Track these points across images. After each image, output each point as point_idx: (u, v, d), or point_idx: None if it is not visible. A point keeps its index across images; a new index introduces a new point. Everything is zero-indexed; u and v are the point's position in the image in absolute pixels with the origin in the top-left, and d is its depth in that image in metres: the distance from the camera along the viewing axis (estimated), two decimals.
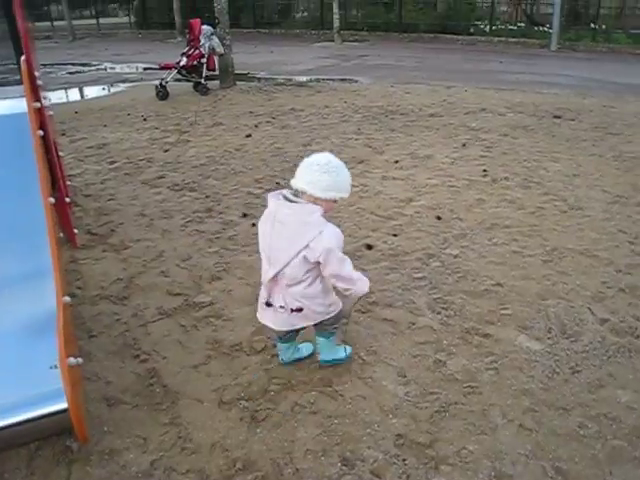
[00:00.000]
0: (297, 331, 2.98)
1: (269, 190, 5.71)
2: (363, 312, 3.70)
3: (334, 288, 2.87)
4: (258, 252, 2.87)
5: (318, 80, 12.63)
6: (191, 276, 4.29)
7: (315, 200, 2.62)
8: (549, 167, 6.37)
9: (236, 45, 17.30)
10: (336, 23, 18.91)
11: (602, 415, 2.84)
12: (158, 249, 4.73)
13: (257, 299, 2.97)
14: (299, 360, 3.20)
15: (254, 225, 4.96)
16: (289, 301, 2.74)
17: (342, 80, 12.48)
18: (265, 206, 2.85)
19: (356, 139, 7.53)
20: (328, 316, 2.87)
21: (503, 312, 3.72)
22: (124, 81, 12.91)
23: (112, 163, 6.93)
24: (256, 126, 8.30)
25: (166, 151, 7.28)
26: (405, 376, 3.13)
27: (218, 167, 6.61)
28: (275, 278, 2.71)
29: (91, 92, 12.02)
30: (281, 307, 2.76)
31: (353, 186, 2.86)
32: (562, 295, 3.88)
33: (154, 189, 6.07)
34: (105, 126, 8.67)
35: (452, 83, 11.52)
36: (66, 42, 23.99)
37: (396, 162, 6.59)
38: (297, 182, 2.67)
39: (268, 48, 17.75)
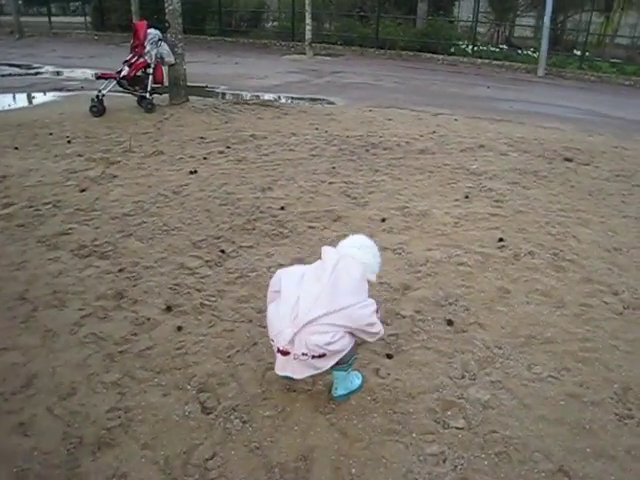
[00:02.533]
0: None
1: (208, 262, 4.09)
2: None
3: None
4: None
5: (285, 99, 11.02)
6: (66, 437, 2.65)
7: None
8: (579, 234, 4.89)
9: (198, 54, 15.69)
10: (308, 35, 17.37)
11: None
12: (29, 371, 3.11)
13: None
14: None
15: (180, 329, 3.33)
16: None
17: (313, 100, 10.91)
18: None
19: (330, 182, 5.94)
20: None
21: None
22: (61, 89, 11.08)
23: (6, 206, 5.20)
24: (205, 158, 6.65)
25: (83, 190, 5.57)
26: None
27: (146, 220, 4.93)
28: None
29: (16, 101, 10.17)
30: None
31: (356, 247, 2.89)
32: None
33: (51, 252, 4.38)
34: (16, 149, 6.90)
35: (439, 109, 10.07)
36: (12, 40, 21.87)
37: (383, 220, 5.02)
38: None
39: (233, 59, 16.09)
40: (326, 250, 2.84)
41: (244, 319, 3.53)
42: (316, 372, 2.66)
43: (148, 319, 3.54)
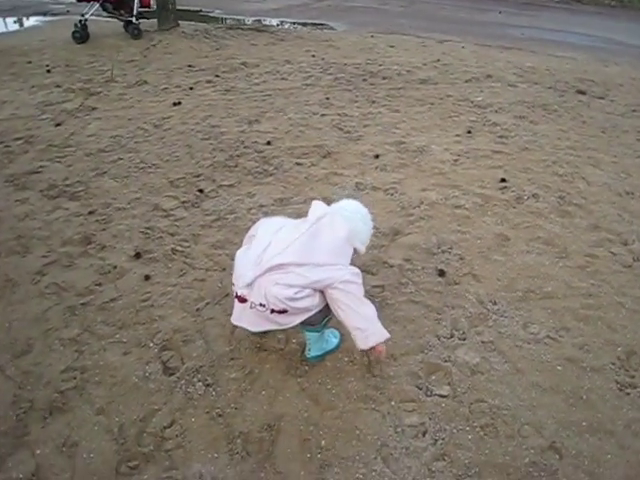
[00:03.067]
0: None
1: (184, 203, 3.79)
2: None
3: None
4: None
5: (283, 24, 10.36)
6: (17, 400, 2.44)
7: None
8: (589, 176, 4.53)
9: None
10: None
11: None
12: None
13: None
14: None
15: (147, 279, 3.06)
16: None
17: (312, 25, 10.26)
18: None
19: (323, 114, 5.53)
20: None
21: None
22: (45, 13, 10.45)
23: None
24: (191, 88, 6.22)
25: (58, 125, 5.20)
26: None
27: (122, 156, 4.59)
28: None
29: None
30: None
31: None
32: None
33: (19, 193, 4.08)
34: None
35: (445, 36, 9.45)
36: None
37: (377, 157, 4.67)
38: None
39: None
40: (315, 203, 2.54)
41: (217, 267, 3.26)
42: (277, 328, 2.41)
43: (115, 267, 3.27)
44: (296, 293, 2.25)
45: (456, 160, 4.70)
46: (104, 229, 3.64)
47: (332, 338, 2.65)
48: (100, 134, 5.01)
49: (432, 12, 11.93)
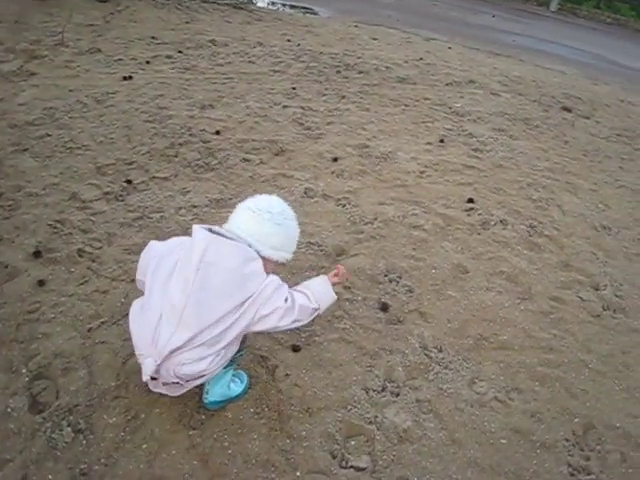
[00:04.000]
0: None
1: (107, 194, 3.31)
2: None
3: None
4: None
5: (263, 3, 9.79)
6: None
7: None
8: (565, 204, 4.16)
9: None
10: None
11: None
12: None
13: None
14: None
15: (41, 284, 2.58)
16: None
17: (294, 7, 9.70)
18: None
19: (285, 106, 5.06)
20: None
21: None
22: None
23: None
24: (148, 62, 5.67)
25: None
26: None
27: (51, 132, 4.06)
28: None
29: None
30: None
31: (251, 209, 2.04)
32: None
33: None
34: None
35: (433, 34, 9.00)
36: None
37: (335, 160, 4.22)
38: (238, 232, 1.97)
39: None
40: (195, 231, 1.95)
41: (125, 277, 2.78)
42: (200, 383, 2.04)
43: (6, 267, 2.77)
44: (210, 363, 1.88)
45: (422, 172, 4.27)
46: (7, 218, 3.13)
47: (236, 386, 2.21)
48: (32, 104, 4.46)
49: (423, 8, 11.44)
